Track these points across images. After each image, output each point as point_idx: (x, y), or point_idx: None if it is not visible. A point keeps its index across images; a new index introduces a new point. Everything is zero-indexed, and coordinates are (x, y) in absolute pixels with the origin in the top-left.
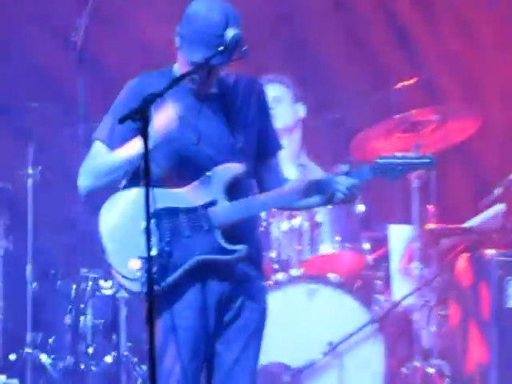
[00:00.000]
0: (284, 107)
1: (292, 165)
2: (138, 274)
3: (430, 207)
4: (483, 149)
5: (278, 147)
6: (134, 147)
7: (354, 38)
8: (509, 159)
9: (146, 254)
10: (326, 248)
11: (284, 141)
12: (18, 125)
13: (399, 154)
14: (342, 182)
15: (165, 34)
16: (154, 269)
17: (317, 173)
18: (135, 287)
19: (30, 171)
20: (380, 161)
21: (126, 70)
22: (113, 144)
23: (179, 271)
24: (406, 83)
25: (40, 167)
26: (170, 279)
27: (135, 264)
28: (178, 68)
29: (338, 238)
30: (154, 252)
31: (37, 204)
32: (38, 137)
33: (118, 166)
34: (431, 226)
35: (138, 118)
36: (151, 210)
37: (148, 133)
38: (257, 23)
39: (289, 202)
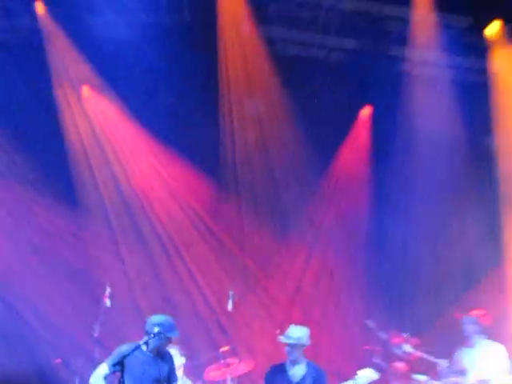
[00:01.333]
0: (177, 358)
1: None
2: None
3: None
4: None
5: (177, 379)
6: None
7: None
8: None
9: None
10: None
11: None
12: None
13: None
14: None
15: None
16: None
17: None
18: None
19: None
20: None
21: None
22: (110, 368)
23: None
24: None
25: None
26: None
27: None
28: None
29: None
30: None
31: None
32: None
33: None
34: None
35: (119, 369)
36: None
37: (124, 371)
38: None
39: None
